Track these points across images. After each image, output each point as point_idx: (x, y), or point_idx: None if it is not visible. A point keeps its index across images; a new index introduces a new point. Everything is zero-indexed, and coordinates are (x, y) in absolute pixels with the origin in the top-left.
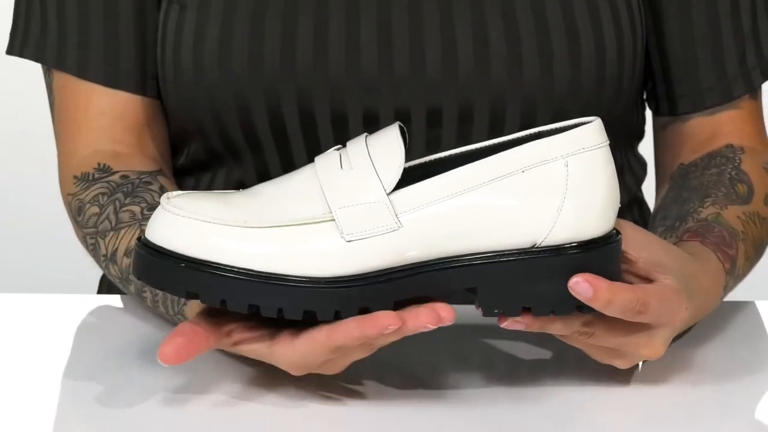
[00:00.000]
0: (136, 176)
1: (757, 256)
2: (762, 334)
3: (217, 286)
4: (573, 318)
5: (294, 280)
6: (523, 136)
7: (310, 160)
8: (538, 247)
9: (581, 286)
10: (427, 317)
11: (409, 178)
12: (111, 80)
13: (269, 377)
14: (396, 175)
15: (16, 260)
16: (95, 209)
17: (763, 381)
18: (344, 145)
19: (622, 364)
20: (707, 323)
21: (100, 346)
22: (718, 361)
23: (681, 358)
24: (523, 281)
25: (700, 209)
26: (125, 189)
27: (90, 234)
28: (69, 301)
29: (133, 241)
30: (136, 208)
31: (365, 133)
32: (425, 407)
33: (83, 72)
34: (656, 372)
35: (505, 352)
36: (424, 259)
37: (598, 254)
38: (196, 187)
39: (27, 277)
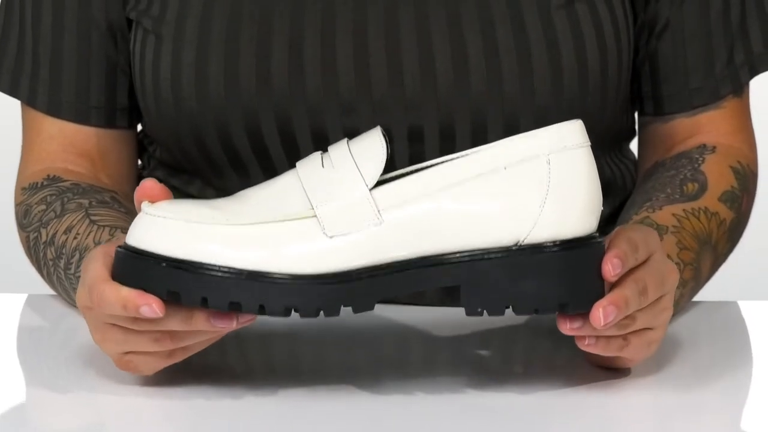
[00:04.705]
0: (88, 185)
1: (704, 248)
2: (745, 335)
3: (198, 284)
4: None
5: (275, 278)
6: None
7: None
8: (520, 245)
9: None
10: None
11: None
12: (81, 117)
13: (266, 375)
14: (378, 171)
15: (16, 260)
16: (42, 207)
17: (746, 381)
18: (326, 150)
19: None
20: (690, 323)
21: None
22: (700, 362)
23: (663, 359)
24: (506, 280)
25: (634, 216)
26: (76, 190)
27: (33, 229)
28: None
29: (76, 223)
30: (85, 201)
31: (346, 138)
32: (424, 407)
33: (54, 111)
34: (639, 372)
35: (501, 350)
36: (405, 257)
37: (580, 253)
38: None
39: (27, 277)
